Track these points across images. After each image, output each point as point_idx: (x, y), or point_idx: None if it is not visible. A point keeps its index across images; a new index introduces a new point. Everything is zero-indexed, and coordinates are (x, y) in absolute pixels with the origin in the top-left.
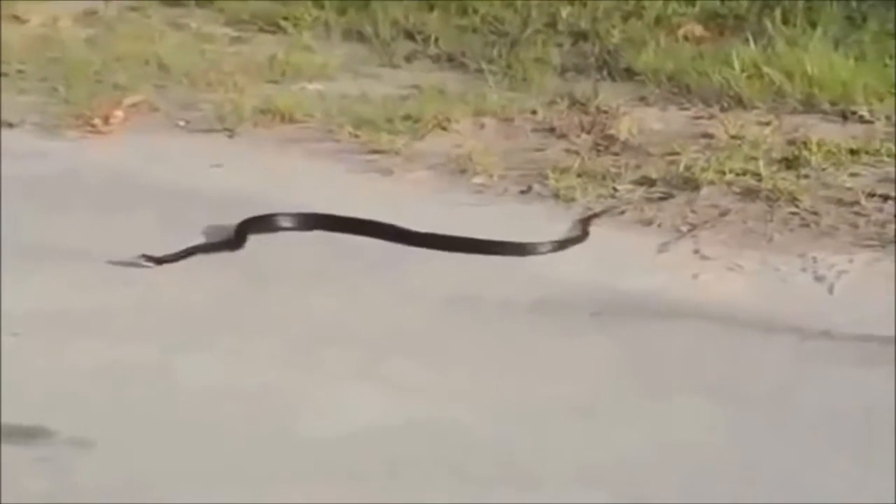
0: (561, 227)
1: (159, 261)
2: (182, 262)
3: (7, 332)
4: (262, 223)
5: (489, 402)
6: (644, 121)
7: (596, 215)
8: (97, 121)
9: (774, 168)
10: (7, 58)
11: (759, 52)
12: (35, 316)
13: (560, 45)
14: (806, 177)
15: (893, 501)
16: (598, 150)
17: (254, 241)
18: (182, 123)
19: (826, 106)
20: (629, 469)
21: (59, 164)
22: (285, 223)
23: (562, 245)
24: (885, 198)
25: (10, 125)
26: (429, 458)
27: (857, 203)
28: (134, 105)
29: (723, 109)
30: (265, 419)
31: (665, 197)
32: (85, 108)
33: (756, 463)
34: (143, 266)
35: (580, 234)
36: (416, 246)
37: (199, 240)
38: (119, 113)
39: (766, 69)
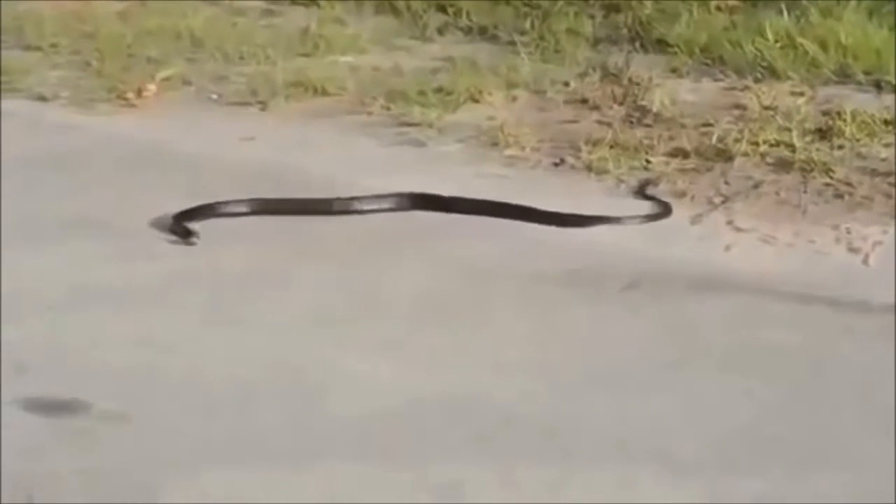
0: (594, 199)
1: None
2: (214, 237)
3: (43, 306)
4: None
5: (523, 374)
6: (677, 92)
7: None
8: (130, 94)
9: (808, 139)
10: (41, 32)
11: (793, 23)
12: (71, 289)
13: (592, 17)
14: (840, 147)
15: (893, 501)
16: (631, 122)
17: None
18: (214, 97)
19: (860, 76)
20: (663, 440)
21: (92, 137)
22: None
23: (649, 219)
24: None
25: (44, 99)
26: (461, 432)
27: (891, 174)
28: (166, 79)
29: (756, 80)
30: (298, 393)
31: (698, 168)
32: (118, 81)
33: (789, 434)
34: (191, 244)
35: (664, 209)
36: (492, 216)
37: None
38: (152, 86)
39: (799, 39)
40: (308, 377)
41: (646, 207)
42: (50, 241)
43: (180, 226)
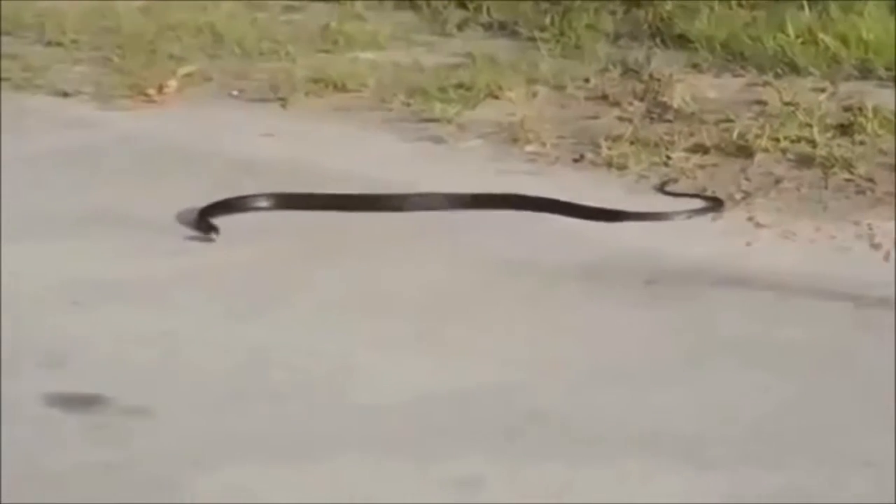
0: (613, 195)
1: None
2: (234, 232)
3: (67, 301)
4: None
5: (543, 368)
6: (697, 88)
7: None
8: (151, 90)
9: (829, 135)
10: (62, 28)
11: (814, 18)
12: (92, 284)
13: (613, 13)
14: (861, 143)
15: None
16: (651, 118)
17: (299, 212)
18: (235, 93)
19: (881, 72)
20: (684, 435)
21: (113, 133)
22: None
23: (697, 213)
24: None
25: (65, 95)
26: (480, 426)
27: None
28: (187, 75)
29: (777, 76)
30: (320, 387)
31: (719, 164)
32: (139, 77)
33: (810, 429)
34: (209, 239)
35: (715, 203)
36: (535, 210)
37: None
38: (173, 82)
39: (820, 35)
40: (327, 372)
41: (674, 204)
42: (72, 236)
43: (205, 221)
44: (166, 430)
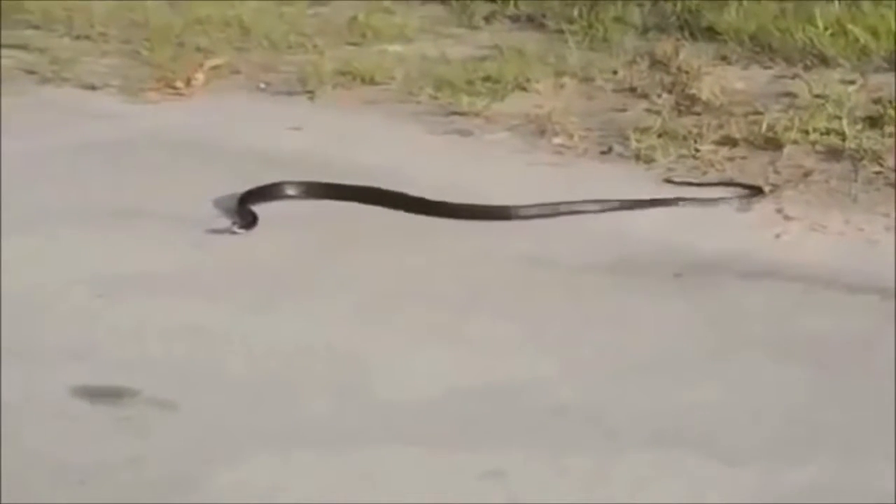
0: (642, 187)
1: (247, 226)
2: (259, 225)
3: (92, 294)
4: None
5: (571, 362)
6: (726, 80)
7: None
8: (179, 83)
9: (859, 127)
10: (90, 21)
11: (843, 9)
12: (118, 277)
13: (641, 5)
14: (891, 135)
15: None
16: (680, 110)
17: (328, 203)
18: (262, 86)
19: None
20: (712, 428)
21: (140, 126)
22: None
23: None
24: None
25: (93, 88)
26: (509, 419)
27: None
28: (215, 67)
29: (806, 68)
30: (345, 381)
31: (747, 157)
32: (167, 70)
33: (838, 422)
34: (234, 233)
35: (756, 190)
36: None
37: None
38: (200, 75)
39: (850, 26)
40: (355, 364)
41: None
42: (99, 228)
43: (246, 209)
44: (191, 423)
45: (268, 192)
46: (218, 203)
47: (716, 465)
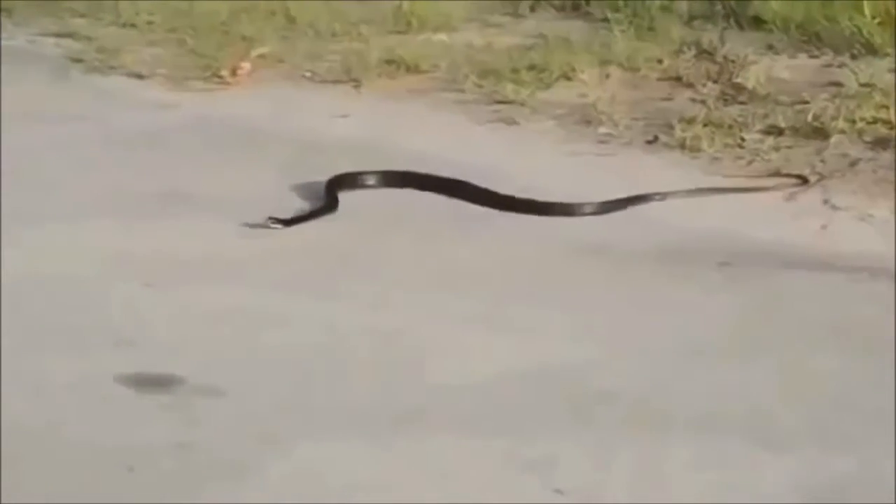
0: (686, 177)
1: (287, 222)
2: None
3: (140, 282)
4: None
5: (619, 349)
6: (772, 69)
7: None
8: (224, 72)
9: None
10: (136, 9)
11: None
12: (165, 263)
13: None
14: None
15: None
16: (726, 100)
17: (374, 192)
18: (308, 74)
19: None
20: (757, 415)
21: (187, 115)
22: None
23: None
24: None
25: (140, 77)
26: (556, 405)
27: None
28: (261, 56)
29: (853, 57)
30: (394, 366)
31: (793, 146)
32: (212, 59)
33: (884, 413)
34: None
35: (802, 178)
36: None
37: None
38: (246, 64)
39: None
40: (403, 349)
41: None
42: (146, 216)
43: (331, 194)
44: (239, 410)
45: (352, 180)
46: (263, 191)
47: (762, 452)
